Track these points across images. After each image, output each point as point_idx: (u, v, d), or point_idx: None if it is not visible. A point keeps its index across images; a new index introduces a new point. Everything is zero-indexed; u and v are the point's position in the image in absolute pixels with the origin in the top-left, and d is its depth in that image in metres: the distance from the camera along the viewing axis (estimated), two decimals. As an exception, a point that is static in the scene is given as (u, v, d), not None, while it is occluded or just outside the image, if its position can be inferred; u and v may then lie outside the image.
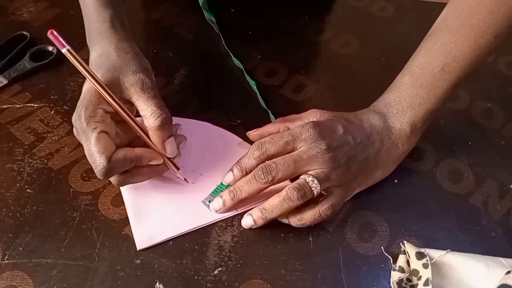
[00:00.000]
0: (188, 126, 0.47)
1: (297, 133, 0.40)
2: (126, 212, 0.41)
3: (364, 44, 0.59)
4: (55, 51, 0.52)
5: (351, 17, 0.64)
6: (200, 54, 0.56)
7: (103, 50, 0.41)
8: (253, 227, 0.40)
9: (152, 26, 0.59)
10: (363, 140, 0.42)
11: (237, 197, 0.40)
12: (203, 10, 0.58)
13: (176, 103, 0.50)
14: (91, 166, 0.43)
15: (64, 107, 0.48)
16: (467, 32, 0.42)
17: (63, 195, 0.42)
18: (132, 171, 0.39)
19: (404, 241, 0.40)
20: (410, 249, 0.39)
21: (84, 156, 0.44)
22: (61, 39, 0.37)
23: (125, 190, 0.42)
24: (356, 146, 0.41)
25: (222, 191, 0.42)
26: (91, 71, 0.38)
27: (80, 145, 0.45)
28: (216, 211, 0.41)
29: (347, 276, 0.39)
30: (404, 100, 0.43)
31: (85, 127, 0.37)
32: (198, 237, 0.40)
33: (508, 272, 0.37)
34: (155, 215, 0.41)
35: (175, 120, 0.47)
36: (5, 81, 0.49)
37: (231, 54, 0.54)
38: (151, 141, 0.39)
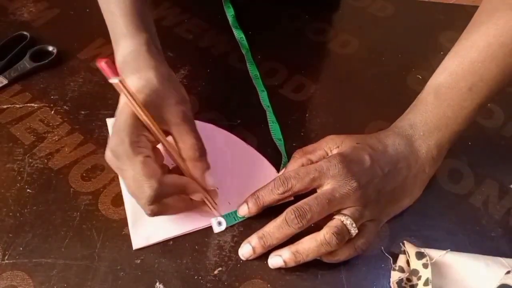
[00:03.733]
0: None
1: (324, 169, 0.37)
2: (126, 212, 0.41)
3: (364, 44, 0.59)
4: (55, 51, 0.52)
5: (351, 17, 0.64)
6: (200, 54, 0.56)
7: (141, 74, 0.38)
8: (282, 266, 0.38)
9: (152, 26, 0.59)
10: (391, 170, 0.39)
11: (268, 244, 0.37)
12: (233, 29, 0.58)
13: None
14: (91, 166, 0.44)
15: (64, 107, 0.48)
16: (495, 52, 0.40)
17: (63, 195, 0.42)
18: (167, 202, 0.37)
19: (404, 241, 0.40)
20: (410, 249, 0.39)
21: (85, 156, 0.44)
22: (111, 70, 0.34)
23: (125, 190, 0.42)
24: (384, 177, 0.39)
25: (237, 221, 0.41)
26: (136, 97, 0.36)
27: (80, 145, 0.45)
28: (245, 258, 0.39)
29: (347, 276, 0.39)
30: (431, 121, 0.42)
31: (130, 152, 0.34)
32: (198, 237, 0.40)
33: (508, 272, 0.37)
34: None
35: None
36: (5, 81, 0.49)
37: (252, 68, 0.54)
38: (190, 173, 0.38)
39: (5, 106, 0.48)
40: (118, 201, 0.42)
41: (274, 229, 0.37)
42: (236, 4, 0.61)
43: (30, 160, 0.44)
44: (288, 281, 0.38)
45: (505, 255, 0.39)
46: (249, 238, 0.38)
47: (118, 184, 0.43)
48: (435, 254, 0.39)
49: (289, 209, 0.37)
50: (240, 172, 0.44)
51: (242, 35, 0.57)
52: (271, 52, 0.56)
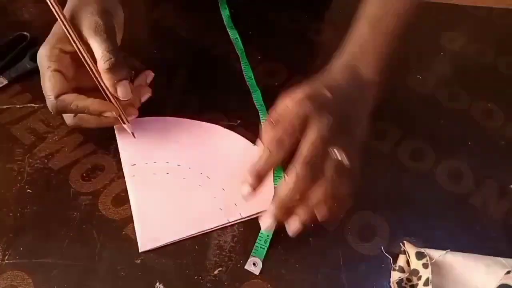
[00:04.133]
0: (192, 128, 0.47)
1: (301, 114, 0.37)
2: (126, 212, 0.41)
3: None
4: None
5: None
6: (200, 54, 0.56)
7: None
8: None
9: (152, 26, 0.59)
10: (348, 98, 0.41)
11: (286, 209, 0.36)
12: (228, 29, 0.58)
13: (176, 103, 0.50)
14: (91, 166, 0.44)
15: (64, 107, 0.48)
16: None
17: (64, 195, 0.42)
18: (82, 116, 0.41)
19: (404, 241, 0.40)
20: (410, 249, 0.39)
21: (85, 156, 0.44)
22: None
23: (131, 191, 0.42)
24: (346, 104, 0.40)
25: (265, 249, 0.39)
26: (59, 8, 0.39)
27: (80, 145, 0.45)
28: (268, 230, 0.39)
29: (347, 276, 0.39)
30: (369, 51, 0.43)
31: (42, 65, 0.40)
32: (198, 237, 0.40)
33: (508, 272, 0.37)
34: (160, 217, 0.41)
35: (177, 121, 0.47)
36: (5, 82, 0.49)
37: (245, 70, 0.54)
38: (104, 83, 0.40)
39: (5, 107, 0.48)
40: (118, 201, 0.42)
41: (290, 192, 0.36)
42: (236, 5, 0.61)
43: (30, 160, 0.44)
44: (288, 281, 0.38)
45: (505, 255, 0.39)
46: (268, 211, 0.36)
47: (118, 184, 0.43)
48: (435, 254, 0.39)
49: (300, 166, 0.36)
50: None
51: (237, 36, 0.57)
52: (271, 52, 0.56)
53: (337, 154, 0.36)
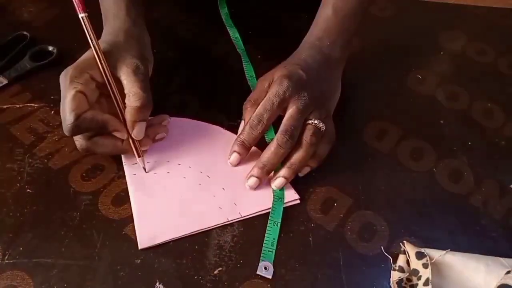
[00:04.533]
0: (193, 127, 0.47)
1: (281, 93, 0.42)
2: (126, 212, 0.41)
3: (363, 44, 0.59)
4: (55, 51, 0.52)
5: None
6: (200, 54, 0.56)
7: (113, 29, 0.45)
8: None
9: (152, 26, 0.59)
10: (319, 76, 0.46)
11: (268, 170, 0.43)
12: (227, 27, 0.58)
13: (176, 103, 0.50)
14: (91, 166, 0.44)
15: (64, 107, 0.48)
16: None
17: (63, 195, 0.42)
18: (96, 140, 0.41)
19: (404, 241, 0.40)
20: (410, 249, 0.39)
21: (85, 156, 0.44)
22: (81, 4, 0.41)
23: (131, 189, 0.42)
24: (318, 82, 0.45)
25: (273, 252, 0.40)
26: (96, 39, 0.41)
27: (80, 145, 0.45)
28: (253, 188, 0.43)
29: (347, 276, 0.39)
30: (333, 32, 0.48)
31: (67, 85, 0.39)
32: (198, 237, 0.40)
33: (508, 272, 0.37)
34: (160, 215, 0.41)
35: (178, 120, 0.47)
36: (5, 81, 0.49)
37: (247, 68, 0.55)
38: (124, 118, 0.41)
39: (5, 106, 0.48)
40: (118, 201, 0.42)
41: (272, 156, 0.42)
42: (236, 4, 0.61)
43: (30, 160, 0.44)
44: (288, 281, 0.38)
45: (505, 255, 0.39)
46: (252, 172, 0.43)
47: (118, 184, 0.43)
48: (435, 254, 0.39)
49: (279, 135, 0.42)
50: (246, 172, 0.44)
51: (237, 35, 0.57)
52: (271, 52, 0.56)
53: (314, 121, 0.43)
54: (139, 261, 0.38)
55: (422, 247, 0.39)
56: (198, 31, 0.58)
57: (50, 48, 0.53)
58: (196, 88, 0.52)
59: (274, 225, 0.41)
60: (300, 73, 0.44)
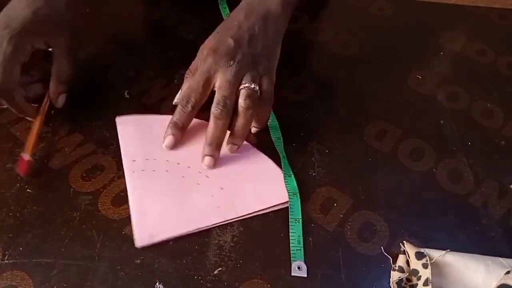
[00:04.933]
0: (193, 127, 0.46)
1: (205, 70, 0.43)
2: (126, 212, 0.41)
3: (363, 44, 0.59)
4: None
5: (350, 17, 0.64)
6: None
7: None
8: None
9: (152, 26, 0.59)
10: (252, 34, 0.45)
11: (218, 144, 0.44)
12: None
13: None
14: (91, 166, 0.44)
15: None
16: None
17: (63, 195, 0.42)
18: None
19: (404, 241, 0.40)
20: (409, 249, 0.39)
21: (84, 156, 0.44)
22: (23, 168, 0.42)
23: (130, 186, 0.42)
24: (250, 42, 0.45)
25: (301, 248, 0.40)
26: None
27: (80, 145, 0.45)
28: (208, 166, 0.44)
29: (346, 276, 0.39)
30: None
31: (10, 52, 0.42)
32: (198, 237, 0.40)
33: (508, 272, 0.37)
34: (159, 213, 0.41)
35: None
36: None
37: None
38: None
39: (5, 106, 0.48)
40: (118, 201, 0.42)
41: (214, 130, 0.43)
42: (236, 4, 0.61)
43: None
44: (288, 281, 0.38)
45: (505, 255, 0.39)
46: (203, 151, 0.44)
47: (118, 184, 0.43)
48: (435, 254, 0.39)
49: (212, 109, 0.43)
50: (244, 172, 0.44)
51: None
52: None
53: (245, 85, 0.43)
54: (139, 261, 0.38)
55: (422, 247, 0.39)
56: (198, 31, 0.58)
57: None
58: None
59: (296, 223, 0.41)
60: (229, 41, 0.44)
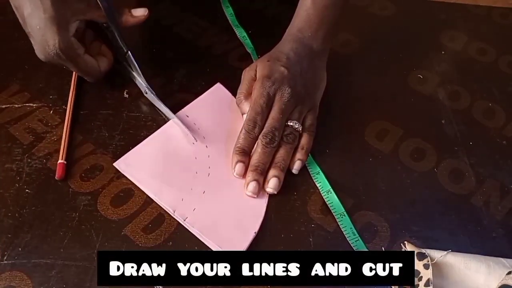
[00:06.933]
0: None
1: (265, 94, 0.45)
2: (125, 212, 0.41)
3: (364, 43, 0.59)
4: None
5: (351, 17, 0.64)
6: (200, 53, 0.56)
7: None
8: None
9: (151, 26, 0.59)
10: (302, 68, 0.47)
11: (262, 170, 0.43)
12: (234, 28, 0.58)
13: (176, 102, 0.49)
14: (90, 166, 0.43)
15: (63, 107, 0.48)
16: None
17: (62, 195, 0.42)
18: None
19: (405, 242, 0.40)
20: (411, 249, 0.39)
21: (83, 156, 0.44)
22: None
23: (159, 131, 0.46)
24: (301, 75, 0.47)
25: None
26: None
27: (79, 145, 0.45)
28: (254, 194, 0.43)
29: (347, 277, 0.39)
30: (314, 23, 0.49)
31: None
32: (198, 239, 0.40)
33: (509, 273, 0.37)
34: (152, 165, 0.44)
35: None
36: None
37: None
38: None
39: (3, 106, 0.48)
40: (117, 201, 0.42)
41: (261, 156, 0.43)
42: (236, 3, 0.61)
43: (29, 160, 0.44)
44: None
45: (507, 256, 0.39)
46: (247, 179, 0.43)
47: (117, 185, 0.43)
48: (436, 254, 0.38)
49: (261, 137, 0.44)
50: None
51: (245, 34, 0.57)
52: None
53: (291, 123, 0.45)
54: (138, 261, 0.38)
55: (423, 247, 0.39)
56: (197, 31, 0.58)
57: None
58: (196, 88, 0.52)
59: (342, 217, 0.42)
60: (281, 69, 0.46)
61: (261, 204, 0.42)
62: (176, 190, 0.42)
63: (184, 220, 0.41)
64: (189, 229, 0.40)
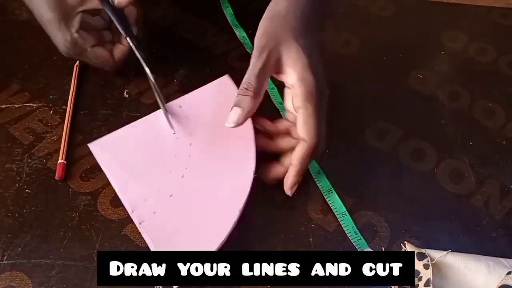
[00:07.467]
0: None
1: (323, 114, 0.42)
2: (125, 212, 0.41)
3: (364, 44, 0.59)
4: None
5: (352, 16, 0.64)
6: (200, 53, 0.56)
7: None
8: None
9: (151, 26, 0.59)
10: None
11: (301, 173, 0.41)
12: (233, 28, 0.58)
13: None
14: (90, 166, 0.43)
15: (63, 107, 0.48)
16: None
17: (62, 195, 0.42)
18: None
19: (405, 242, 0.40)
20: (411, 249, 0.39)
21: (83, 156, 0.44)
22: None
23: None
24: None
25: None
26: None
27: (79, 145, 0.45)
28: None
29: (347, 277, 0.39)
30: (314, 17, 0.46)
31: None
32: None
33: (509, 273, 0.37)
34: (126, 149, 0.41)
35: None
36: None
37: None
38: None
39: (3, 106, 0.48)
40: (117, 201, 0.41)
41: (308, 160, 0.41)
42: (236, 3, 0.61)
43: (29, 160, 0.44)
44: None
45: (507, 256, 0.39)
46: (290, 183, 0.41)
47: (117, 184, 0.43)
48: (436, 254, 0.38)
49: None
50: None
51: (244, 34, 0.57)
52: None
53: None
54: (138, 261, 0.38)
55: (423, 247, 0.39)
56: (198, 31, 0.58)
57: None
58: (196, 88, 0.51)
59: (343, 216, 0.42)
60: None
61: (227, 224, 0.38)
62: (142, 187, 0.39)
63: (140, 224, 0.38)
64: (141, 234, 0.39)
